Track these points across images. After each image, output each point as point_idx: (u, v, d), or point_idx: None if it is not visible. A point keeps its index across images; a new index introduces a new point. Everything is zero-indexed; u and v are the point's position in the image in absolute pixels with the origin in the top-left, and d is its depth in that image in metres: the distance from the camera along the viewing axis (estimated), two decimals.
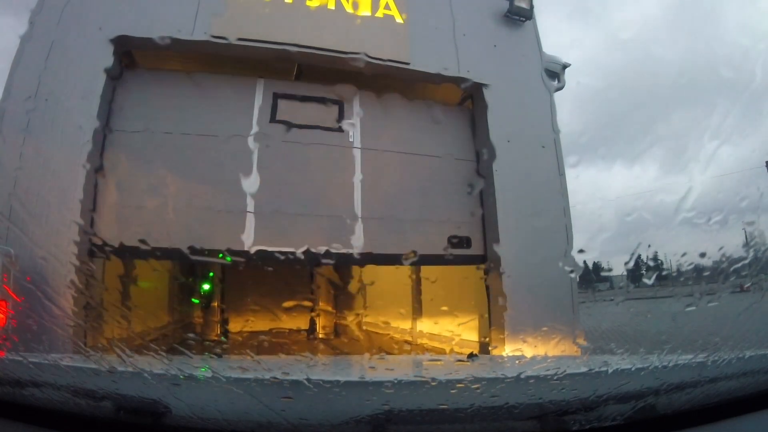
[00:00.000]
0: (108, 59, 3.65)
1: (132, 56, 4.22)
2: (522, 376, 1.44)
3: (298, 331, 11.11)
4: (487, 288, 4.23)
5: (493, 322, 4.11)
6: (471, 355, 2.21)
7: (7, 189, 3.05)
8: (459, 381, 1.45)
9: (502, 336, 3.93)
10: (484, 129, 4.45)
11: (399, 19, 4.47)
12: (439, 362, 2.80)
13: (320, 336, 10.58)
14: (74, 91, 3.45)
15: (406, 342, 6.75)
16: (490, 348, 4.18)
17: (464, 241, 4.70)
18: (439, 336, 5.85)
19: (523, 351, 4.12)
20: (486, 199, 4.41)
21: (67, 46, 3.55)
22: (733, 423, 1.15)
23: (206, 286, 10.04)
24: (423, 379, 1.57)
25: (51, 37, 3.53)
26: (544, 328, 3.71)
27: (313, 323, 10.95)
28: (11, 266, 2.65)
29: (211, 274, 10.10)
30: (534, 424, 1.08)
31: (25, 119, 3.26)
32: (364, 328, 9.41)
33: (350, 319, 10.52)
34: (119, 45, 3.77)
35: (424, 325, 6.71)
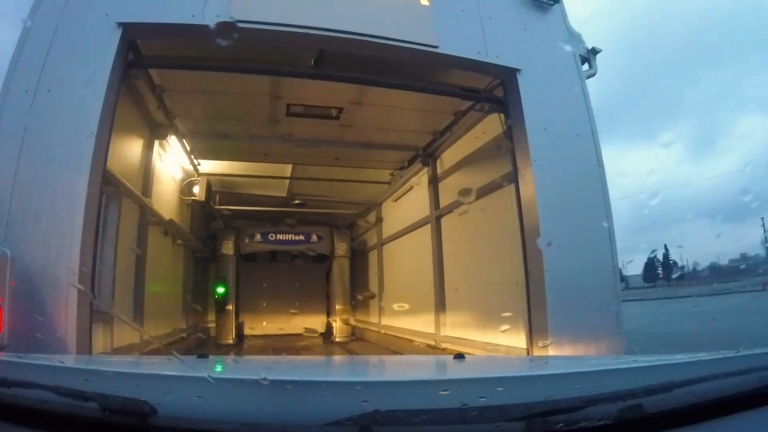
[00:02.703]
0: (114, 49, 3.32)
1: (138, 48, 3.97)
2: (509, 376, 1.44)
3: (315, 334, 11.29)
4: (528, 288, 3.86)
5: (534, 326, 3.75)
6: (458, 356, 2.14)
7: (6, 187, 2.79)
8: (446, 381, 1.45)
9: (545, 342, 3.57)
10: (518, 116, 4.14)
11: (424, 1, 4.17)
12: (426, 362, 2.84)
13: (337, 339, 10.59)
14: (79, 84, 3.11)
15: (430, 347, 6.50)
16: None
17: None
18: (471, 341, 5.59)
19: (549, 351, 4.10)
20: (523, 191, 4.09)
21: (73, 34, 3.24)
22: (720, 422, 1.16)
23: (220, 290, 10.16)
24: (410, 379, 1.57)
25: (55, 24, 3.21)
26: (589, 331, 3.49)
27: (329, 327, 11.17)
28: (6, 268, 2.56)
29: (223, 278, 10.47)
30: (521, 424, 1.07)
31: (26, 113, 2.95)
32: (383, 332, 9.57)
33: (369, 322, 10.69)
34: (127, 33, 3.45)
35: (453, 329, 6.37)
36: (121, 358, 3.66)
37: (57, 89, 3.12)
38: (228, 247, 10.43)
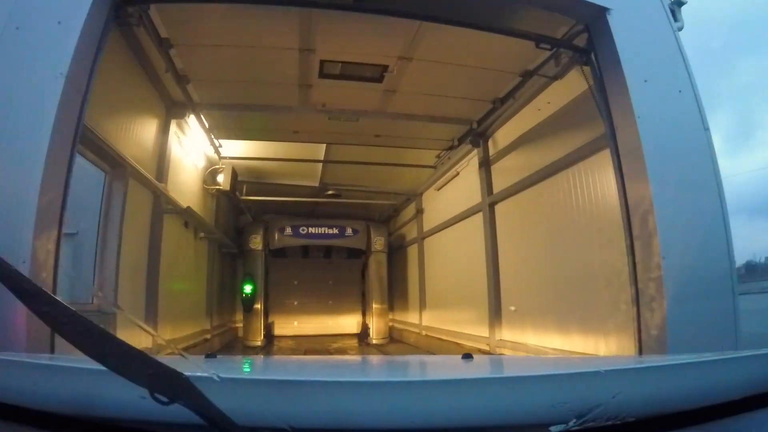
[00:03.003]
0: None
1: None
2: (517, 377, 1.34)
3: (350, 335, 10.90)
4: (636, 281, 2.97)
5: (646, 327, 2.91)
6: (466, 355, 2.09)
7: None
8: (453, 382, 1.30)
9: (662, 346, 2.77)
10: (613, 65, 3.29)
11: None
12: (433, 362, 2.74)
13: (374, 341, 9.95)
14: (51, 20, 2.47)
15: (482, 352, 5.62)
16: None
17: None
18: (537, 347, 4.87)
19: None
20: (625, 157, 3.17)
21: None
22: (728, 422, 1.15)
23: (248, 288, 9.58)
24: (417, 380, 1.55)
25: None
26: (709, 331, 2.84)
27: (365, 327, 10.67)
28: None
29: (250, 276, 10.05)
30: (529, 425, 1.01)
31: None
32: (425, 333, 8.94)
33: (409, 323, 10.11)
34: None
35: (511, 332, 5.56)
36: None
37: (27, 26, 2.49)
38: (256, 242, 9.77)
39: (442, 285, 8.14)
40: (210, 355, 2.10)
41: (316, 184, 8.81)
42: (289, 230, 10.14)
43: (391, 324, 10.57)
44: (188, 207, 5.99)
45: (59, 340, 2.59)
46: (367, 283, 10.74)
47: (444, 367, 2.21)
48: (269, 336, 9.87)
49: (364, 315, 10.98)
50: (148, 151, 5.14)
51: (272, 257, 10.43)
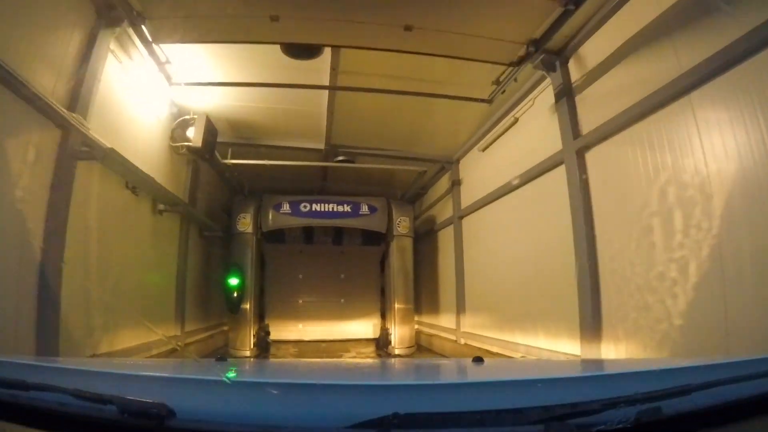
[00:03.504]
0: None
1: None
2: (527, 379, 1.46)
3: (366, 341, 9.19)
4: None
5: None
6: (477, 359, 1.96)
7: None
8: (465, 384, 1.52)
9: None
10: None
11: None
12: (445, 365, 2.80)
13: (396, 350, 7.99)
14: None
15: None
16: None
17: None
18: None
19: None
20: None
21: None
22: (740, 426, 1.12)
23: (233, 282, 7.67)
24: (429, 382, 1.62)
25: None
26: None
27: (385, 332, 8.67)
28: None
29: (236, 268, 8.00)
30: (539, 427, 1.02)
31: None
32: (464, 341, 7.03)
33: (441, 327, 8.21)
34: None
35: (615, 345, 3.61)
36: (139, 360, 3.89)
37: None
38: (244, 223, 7.92)
39: (491, 278, 6.25)
40: (220, 358, 2.20)
41: (322, 146, 6.97)
42: (286, 207, 8.19)
43: (417, 328, 8.87)
44: (113, 150, 3.87)
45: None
46: (387, 277, 8.85)
47: (457, 370, 2.21)
48: (263, 343, 7.97)
49: (383, 317, 9.18)
50: (55, 65, 3.38)
51: (267, 243, 8.73)
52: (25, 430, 1.11)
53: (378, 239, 9.00)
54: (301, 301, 9.22)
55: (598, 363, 3.01)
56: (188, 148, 5.58)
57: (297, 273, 9.33)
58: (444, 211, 8.41)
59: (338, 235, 9.30)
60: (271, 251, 9.00)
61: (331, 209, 8.35)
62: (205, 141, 5.57)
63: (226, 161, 6.97)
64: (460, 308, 7.18)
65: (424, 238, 9.38)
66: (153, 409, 1.05)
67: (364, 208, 8.42)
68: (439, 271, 8.77)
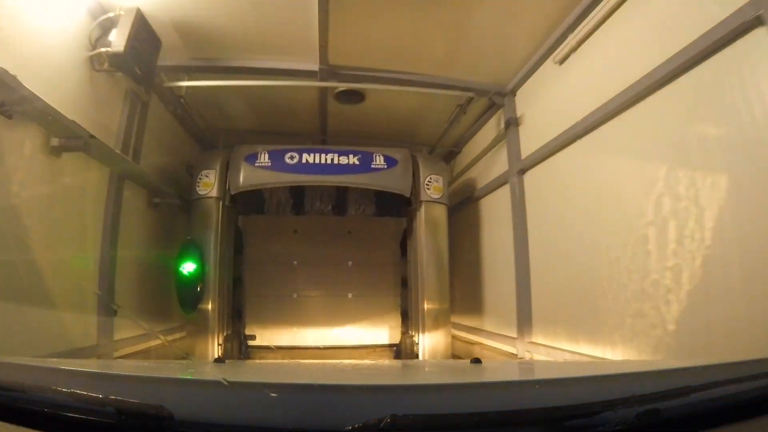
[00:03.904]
0: None
1: None
2: (525, 380, 2.20)
3: (381, 348, 10.02)
4: None
5: None
6: (475, 360, 2.75)
7: None
8: (463, 385, 2.10)
9: None
10: None
11: None
12: (443, 367, 3.79)
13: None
14: None
15: None
16: None
17: None
18: None
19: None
20: None
21: None
22: (738, 427, 1.59)
23: (187, 268, 7.74)
24: (428, 383, 2.32)
25: None
26: None
27: (407, 339, 9.04)
28: None
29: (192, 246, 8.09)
30: (537, 429, 1.51)
31: None
32: (529, 355, 7.12)
33: (492, 334, 8.69)
34: None
35: None
36: (137, 362, 4.90)
37: None
38: (207, 183, 8.14)
39: (580, 260, 5.93)
40: (219, 359, 3.01)
41: (315, 66, 7.28)
42: (264, 158, 8.28)
43: (456, 334, 9.34)
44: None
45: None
46: (412, 263, 9.06)
47: (456, 372, 3.01)
48: (241, 353, 8.69)
49: (406, 318, 9.69)
50: None
51: (240, 212, 9.34)
52: (22, 431, 1.58)
53: (398, 207, 9.27)
54: (295, 296, 9.82)
55: (597, 364, 4.08)
56: (108, 57, 5.59)
57: (289, 258, 9.90)
58: (490, 169, 8.81)
59: (341, 201, 9.41)
60: (252, 227, 9.71)
61: (330, 161, 8.40)
62: (131, 46, 5.54)
63: (176, 84, 7.26)
64: (523, 306, 7.22)
65: (460, 209, 9.98)
66: (151, 410, 1.54)
67: (379, 160, 8.46)
68: (483, 254, 9.26)
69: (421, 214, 8.58)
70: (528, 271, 7.47)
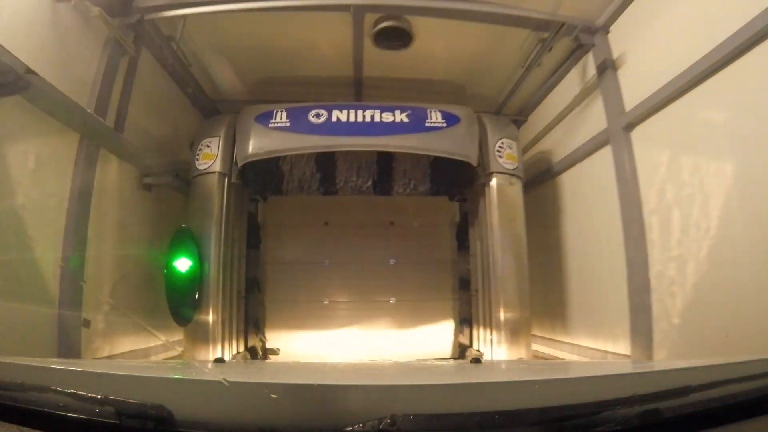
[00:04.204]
0: None
1: None
2: (525, 380, 2.64)
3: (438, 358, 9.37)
4: None
5: None
6: (475, 360, 3.55)
7: None
8: (463, 385, 2.60)
9: None
10: None
11: None
12: (443, 367, 4.39)
13: None
14: None
15: None
16: None
17: None
18: None
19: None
20: None
21: None
22: (738, 426, 2.01)
23: (181, 264, 7.22)
24: (428, 383, 2.76)
25: None
26: None
27: (471, 355, 8.50)
28: None
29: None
30: (537, 429, 1.89)
31: None
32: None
33: (586, 346, 8.03)
34: None
35: None
36: (137, 362, 5.44)
37: None
38: (208, 155, 7.90)
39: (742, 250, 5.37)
40: (219, 360, 3.81)
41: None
42: (281, 117, 7.87)
43: (537, 349, 8.82)
44: None
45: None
46: (476, 256, 8.87)
47: (456, 372, 3.48)
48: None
49: (466, 327, 9.56)
50: None
51: (254, 193, 9.20)
52: (22, 431, 1.87)
53: (458, 184, 8.97)
54: (326, 302, 9.84)
55: (597, 364, 4.66)
56: None
57: (319, 255, 9.89)
58: (573, 133, 8.34)
59: (384, 176, 8.83)
60: (272, 217, 9.71)
61: (370, 119, 7.88)
62: None
63: (166, 14, 7.19)
64: (639, 315, 6.69)
65: (529, 191, 8.85)
66: (151, 410, 1.84)
67: (435, 118, 7.90)
68: (566, 244, 8.86)
69: (491, 191, 8.09)
70: (646, 266, 6.64)
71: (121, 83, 6.99)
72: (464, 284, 9.66)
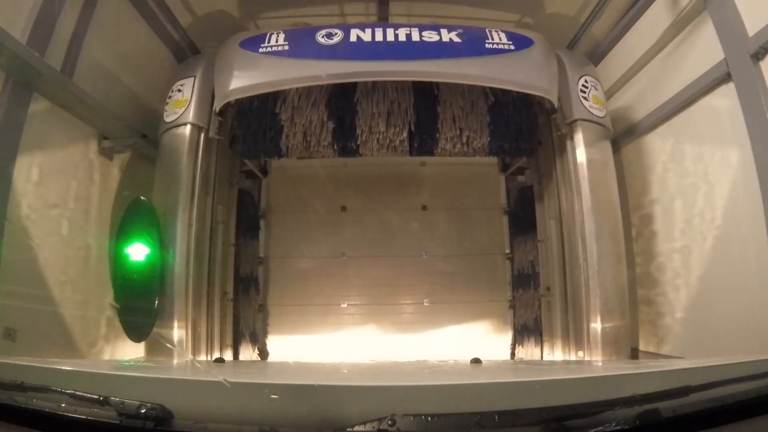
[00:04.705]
0: None
1: None
2: (525, 381, 2.70)
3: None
4: None
5: None
6: (475, 360, 3.47)
7: None
8: (463, 386, 2.64)
9: None
10: None
11: None
12: (443, 368, 4.22)
13: None
14: None
15: None
16: None
17: None
18: None
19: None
20: None
21: None
22: (738, 426, 2.04)
23: (137, 252, 5.53)
24: (428, 384, 2.77)
25: None
26: None
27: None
28: None
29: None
30: (537, 429, 1.93)
31: None
32: None
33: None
34: None
35: None
36: (137, 362, 5.18)
37: None
38: (178, 102, 6.29)
39: None
40: (219, 360, 3.64)
41: None
42: (279, 41, 6.10)
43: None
44: None
45: None
46: (550, 241, 7.21)
47: (456, 372, 3.54)
48: None
49: (527, 337, 7.96)
50: None
51: (243, 154, 7.22)
52: (23, 431, 1.90)
53: (526, 137, 6.81)
54: (345, 305, 8.24)
55: (597, 365, 4.65)
56: None
57: (336, 248, 8.42)
58: (668, 76, 6.27)
59: (425, 124, 6.70)
60: (274, 198, 8.41)
61: (405, 38, 6.14)
62: None
63: None
64: None
65: (626, 144, 7.23)
66: (151, 410, 1.87)
67: (498, 38, 6.14)
68: (663, 226, 6.51)
69: (576, 147, 6.28)
70: None
71: (77, 14, 5.66)
72: (524, 281, 7.97)
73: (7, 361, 2.58)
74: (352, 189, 8.42)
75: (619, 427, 1.91)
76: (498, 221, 8.47)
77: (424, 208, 8.43)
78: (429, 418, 1.94)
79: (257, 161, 7.93)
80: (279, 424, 1.93)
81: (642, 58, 6.70)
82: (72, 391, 2.06)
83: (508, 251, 8.39)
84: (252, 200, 8.09)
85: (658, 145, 6.57)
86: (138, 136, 6.37)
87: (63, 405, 2.04)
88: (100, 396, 2.04)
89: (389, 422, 1.89)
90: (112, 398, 2.02)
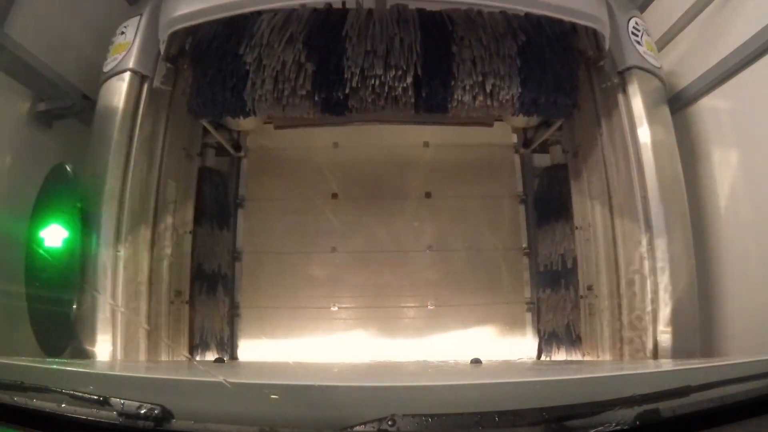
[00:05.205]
0: None
1: None
2: (525, 381, 2.73)
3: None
4: None
5: None
6: (475, 360, 3.48)
7: None
8: (463, 386, 2.66)
9: None
10: None
11: None
12: (443, 368, 4.33)
13: None
14: None
15: None
16: None
17: None
18: None
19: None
20: None
21: None
22: (738, 427, 2.04)
23: (53, 236, 4.45)
24: (428, 384, 2.84)
25: None
26: None
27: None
28: None
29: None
30: (537, 429, 1.94)
31: None
32: None
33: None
34: None
35: None
36: (137, 362, 4.98)
37: None
38: (120, 47, 5.38)
39: None
40: (218, 360, 3.76)
41: None
42: None
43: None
44: None
45: None
46: (596, 227, 6.07)
47: (456, 372, 3.60)
48: None
49: (555, 347, 7.04)
50: None
51: (199, 112, 5.73)
52: (23, 431, 1.93)
53: (566, 88, 5.40)
54: (335, 309, 7.25)
55: (597, 364, 4.68)
56: None
57: (325, 240, 7.43)
58: (721, 32, 5.07)
59: (435, 68, 5.33)
60: (252, 180, 7.48)
61: None
62: None
63: None
64: None
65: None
66: (151, 410, 1.90)
67: None
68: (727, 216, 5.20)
69: (630, 100, 5.27)
70: None
71: None
72: (552, 279, 6.90)
73: (7, 361, 2.60)
74: (345, 173, 7.33)
75: (619, 427, 1.92)
76: (513, 210, 7.44)
77: (428, 195, 7.33)
78: (429, 419, 1.95)
79: (225, 133, 6.93)
80: (279, 424, 1.95)
81: (694, 6, 5.29)
82: (72, 392, 2.07)
83: (525, 245, 7.27)
84: (222, 180, 7.04)
85: (714, 112, 5.37)
86: (79, 97, 5.37)
87: (63, 405, 2.06)
88: (100, 396, 2.05)
89: (389, 422, 1.90)
90: (112, 398, 2.03)
